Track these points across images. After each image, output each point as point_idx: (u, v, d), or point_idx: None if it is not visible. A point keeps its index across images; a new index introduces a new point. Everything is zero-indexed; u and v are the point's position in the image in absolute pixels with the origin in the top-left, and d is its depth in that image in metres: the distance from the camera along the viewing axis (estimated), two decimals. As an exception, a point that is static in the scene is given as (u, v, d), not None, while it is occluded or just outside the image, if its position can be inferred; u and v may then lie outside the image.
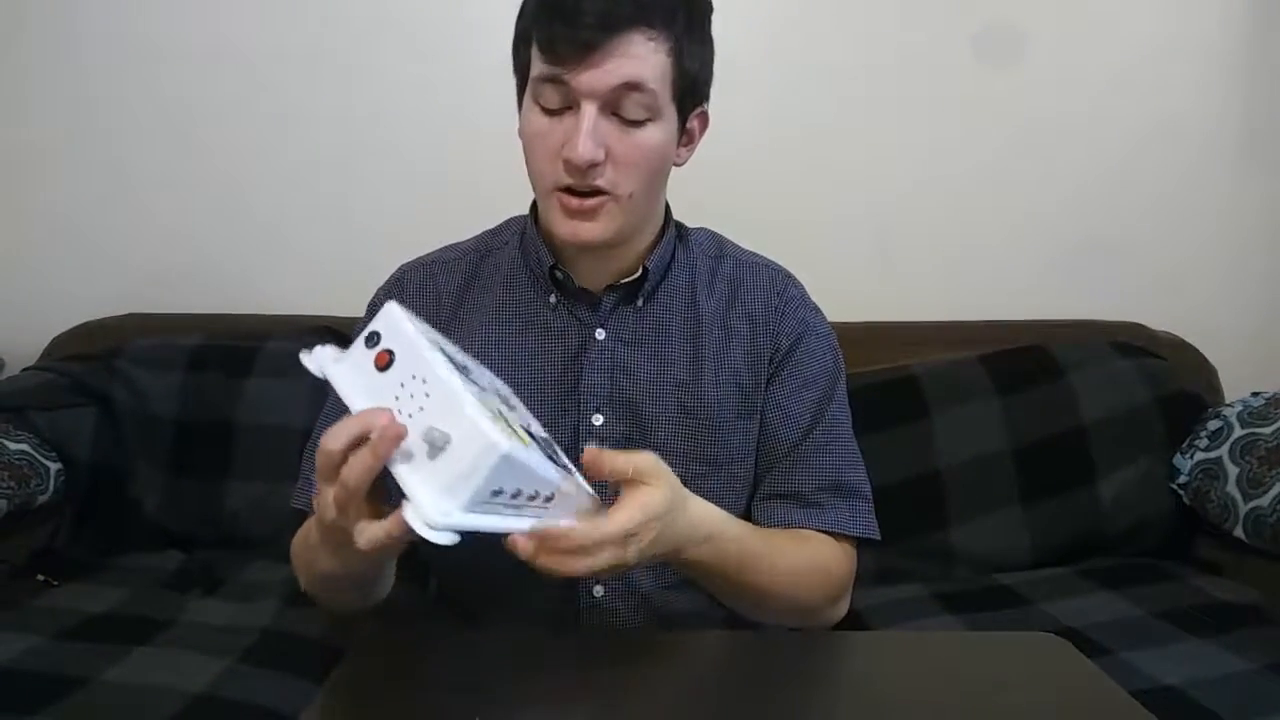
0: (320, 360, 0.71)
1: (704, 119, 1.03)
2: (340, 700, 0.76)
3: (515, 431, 0.71)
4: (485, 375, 0.82)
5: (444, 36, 1.84)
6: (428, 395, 0.67)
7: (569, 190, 0.93)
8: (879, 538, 1.05)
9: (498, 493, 0.68)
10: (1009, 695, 0.77)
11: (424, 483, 0.66)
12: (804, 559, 0.99)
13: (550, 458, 0.76)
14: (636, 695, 0.78)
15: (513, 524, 0.71)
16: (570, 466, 0.80)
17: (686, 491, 0.84)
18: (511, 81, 1.01)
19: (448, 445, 0.66)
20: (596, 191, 0.93)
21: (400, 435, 0.66)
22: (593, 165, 0.91)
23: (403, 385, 0.68)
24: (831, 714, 0.79)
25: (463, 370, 0.73)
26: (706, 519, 0.87)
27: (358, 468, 0.67)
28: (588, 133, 0.90)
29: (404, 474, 0.67)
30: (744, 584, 0.92)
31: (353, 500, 0.69)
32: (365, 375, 0.70)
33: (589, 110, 0.90)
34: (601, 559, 0.76)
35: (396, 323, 0.71)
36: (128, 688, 1.07)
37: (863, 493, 1.06)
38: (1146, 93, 1.89)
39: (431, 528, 0.64)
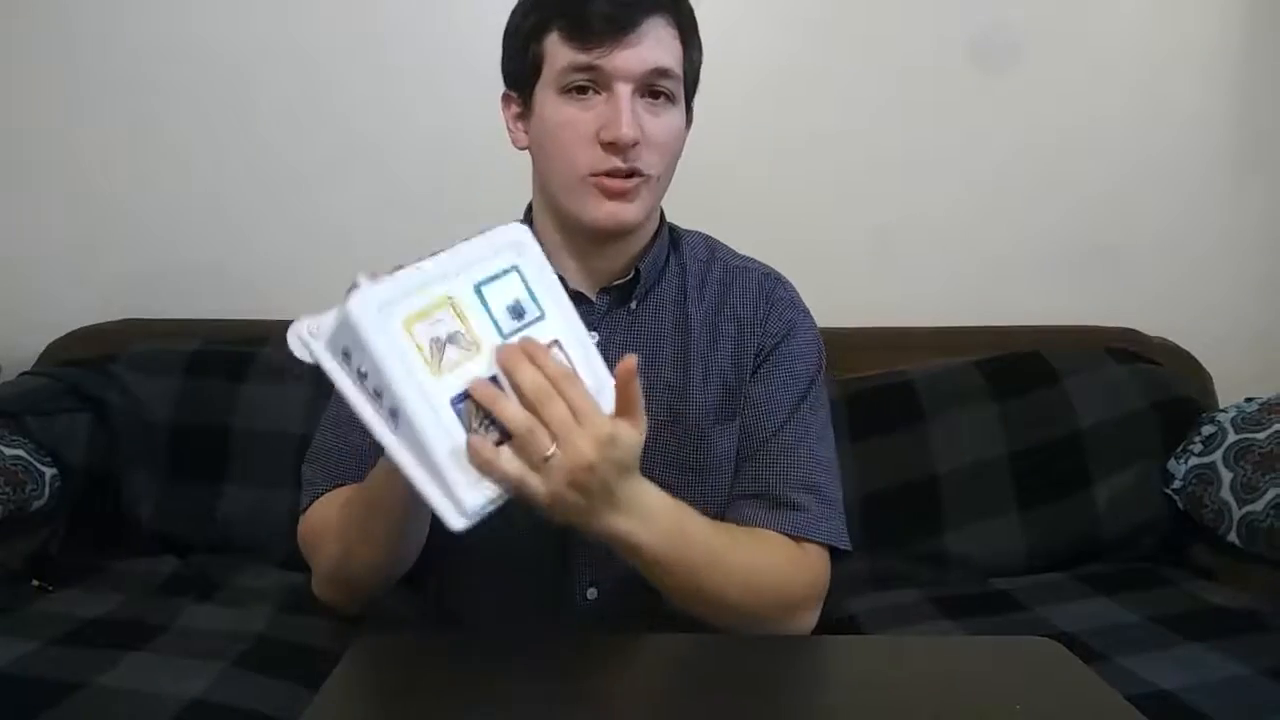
0: (309, 344, 0.75)
1: (691, 116, 1.05)
2: (336, 705, 0.76)
3: (424, 352, 0.72)
4: (562, 326, 0.81)
5: (443, 46, 1.84)
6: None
7: (606, 174, 0.95)
8: (848, 547, 1.02)
9: (348, 356, 0.73)
10: (1005, 700, 0.77)
11: (333, 310, 0.74)
12: (758, 560, 0.96)
13: (466, 419, 0.74)
14: (632, 698, 0.78)
15: (361, 406, 0.74)
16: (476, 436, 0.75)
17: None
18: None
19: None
20: (633, 172, 0.95)
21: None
22: (634, 145, 0.94)
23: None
24: (827, 719, 0.79)
25: (520, 311, 0.79)
26: (650, 490, 0.86)
27: None
28: (631, 113, 0.93)
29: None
30: (682, 581, 0.90)
31: None
32: None
33: (625, 91, 0.93)
34: (551, 412, 0.74)
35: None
36: (123, 693, 1.07)
37: (830, 499, 1.03)
38: (1144, 100, 1.90)
39: (295, 333, 0.74)
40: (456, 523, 0.74)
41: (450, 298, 0.75)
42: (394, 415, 0.73)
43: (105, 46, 1.84)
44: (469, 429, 0.74)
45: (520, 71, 1.00)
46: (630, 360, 0.78)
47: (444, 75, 1.84)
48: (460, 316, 0.75)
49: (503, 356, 0.76)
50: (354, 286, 0.73)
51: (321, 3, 1.85)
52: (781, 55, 1.85)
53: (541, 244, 1.03)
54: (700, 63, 1.02)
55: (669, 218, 1.11)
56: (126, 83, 1.85)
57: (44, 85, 1.85)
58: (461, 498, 0.73)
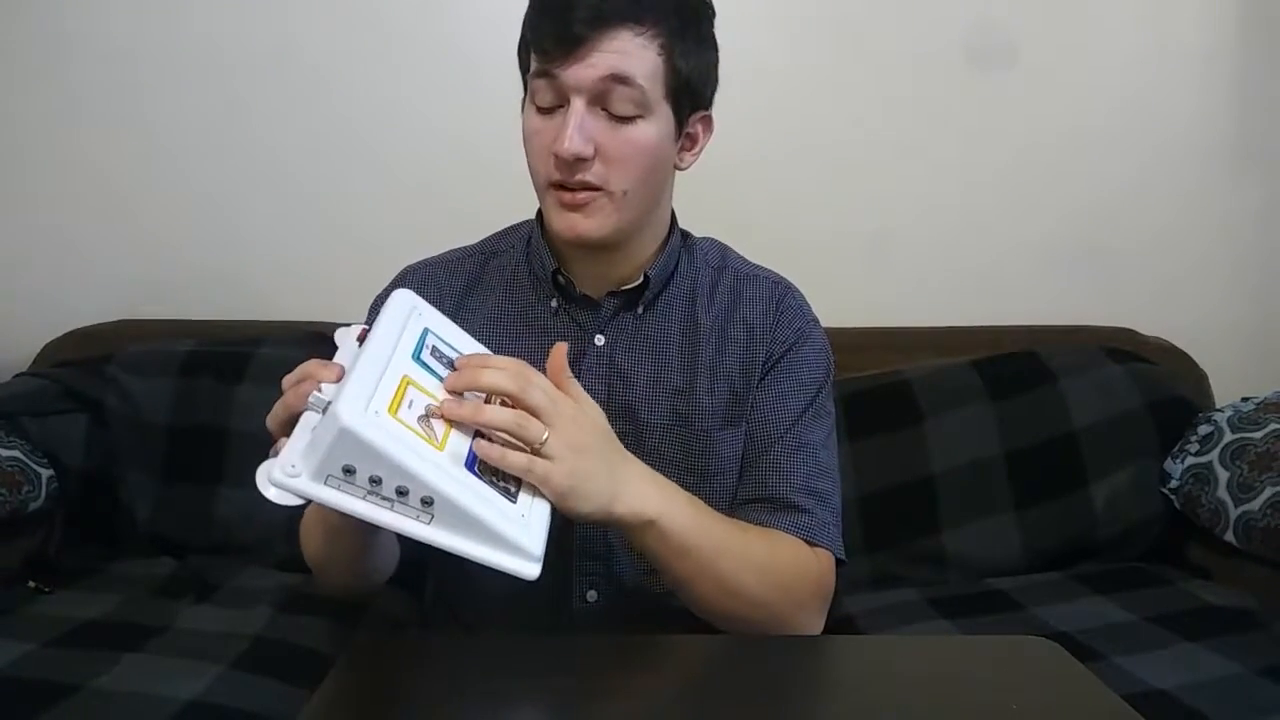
0: (287, 484, 0.71)
1: (708, 123, 1.03)
2: (333, 707, 0.76)
3: (421, 434, 0.73)
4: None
5: (440, 45, 1.84)
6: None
7: (562, 185, 0.95)
8: (843, 557, 1.02)
9: (350, 471, 0.70)
10: (1002, 700, 0.78)
11: (293, 442, 0.72)
12: (770, 554, 0.96)
13: (486, 478, 0.75)
14: (630, 699, 0.78)
15: (381, 515, 0.72)
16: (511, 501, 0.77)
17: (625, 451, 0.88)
18: (506, 88, 1.02)
19: (325, 413, 0.71)
20: (584, 186, 0.94)
21: (305, 392, 0.74)
22: (580, 160, 0.92)
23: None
24: (824, 719, 0.79)
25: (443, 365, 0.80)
26: (648, 472, 0.88)
27: (281, 401, 0.77)
28: (575, 127, 0.91)
29: (294, 433, 0.73)
30: (702, 565, 0.90)
31: (274, 420, 0.77)
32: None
33: (577, 105, 0.92)
34: (531, 398, 0.79)
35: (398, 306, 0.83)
36: (120, 695, 1.07)
37: (833, 506, 1.03)
38: (1139, 101, 1.90)
39: (273, 483, 0.70)
40: (532, 571, 0.75)
41: (406, 377, 0.77)
42: (427, 504, 0.72)
43: (101, 47, 1.84)
44: (494, 485, 0.76)
45: (524, 77, 1.00)
46: (559, 348, 0.84)
47: (443, 75, 1.84)
48: (421, 390, 0.77)
49: (456, 381, 0.79)
50: (310, 408, 0.72)
51: (320, 2, 1.85)
52: (779, 56, 1.85)
53: (550, 246, 1.04)
54: (705, 67, 0.99)
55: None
56: (122, 84, 1.84)
57: (40, 86, 1.85)
58: (524, 545, 0.74)
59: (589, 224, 0.96)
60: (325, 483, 0.71)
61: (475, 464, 0.76)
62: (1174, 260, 1.94)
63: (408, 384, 0.76)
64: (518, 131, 0.99)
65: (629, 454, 0.87)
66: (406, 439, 0.72)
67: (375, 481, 0.71)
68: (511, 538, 0.74)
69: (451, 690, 0.77)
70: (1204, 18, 1.90)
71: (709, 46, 0.99)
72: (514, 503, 0.77)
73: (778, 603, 0.96)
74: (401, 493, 0.71)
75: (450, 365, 0.82)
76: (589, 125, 0.92)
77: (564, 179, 0.94)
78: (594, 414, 0.85)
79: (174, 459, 1.57)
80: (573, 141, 0.91)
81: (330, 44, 1.85)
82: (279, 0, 1.84)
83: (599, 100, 0.92)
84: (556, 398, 0.81)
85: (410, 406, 0.75)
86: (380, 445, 0.70)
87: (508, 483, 0.77)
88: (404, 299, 0.86)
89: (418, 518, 0.72)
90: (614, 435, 0.86)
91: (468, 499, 0.73)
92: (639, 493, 0.85)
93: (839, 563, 1.02)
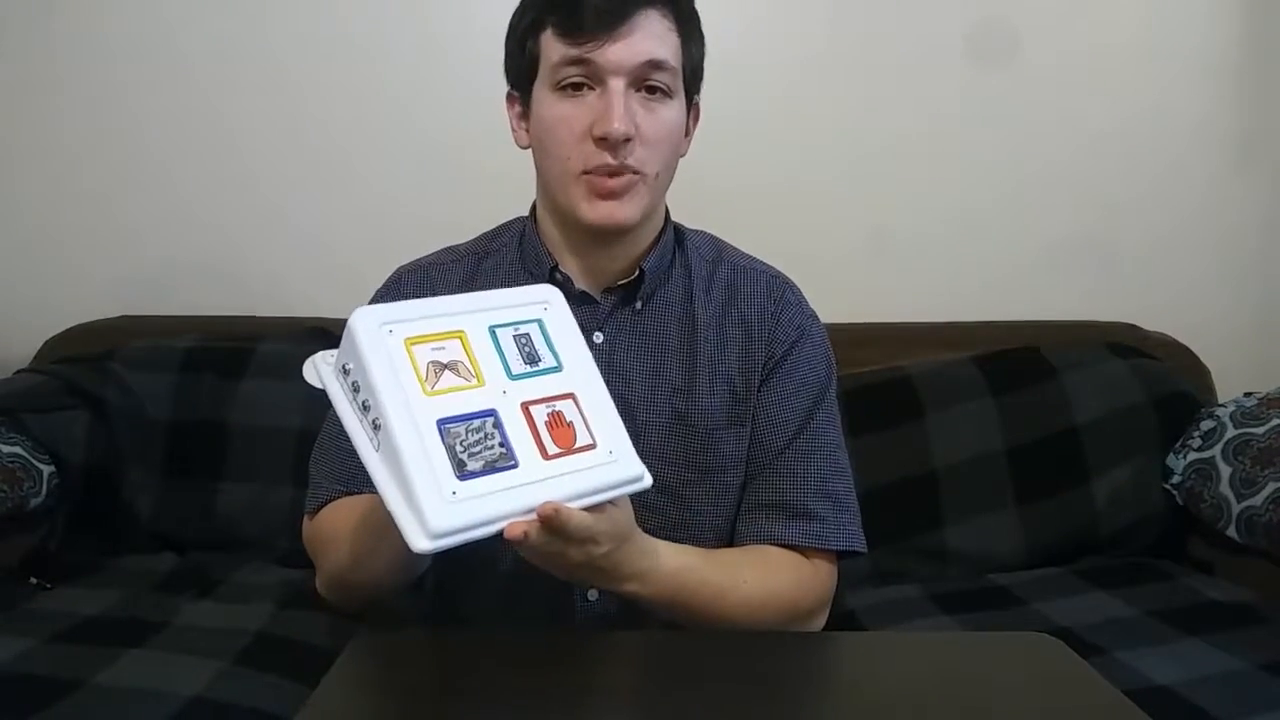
0: (319, 369, 0.77)
1: (697, 112, 1.04)
2: (334, 702, 0.76)
3: (418, 371, 0.73)
4: (578, 372, 0.83)
5: (435, 46, 1.84)
6: None
7: (598, 171, 0.94)
8: (864, 550, 1.04)
9: (346, 372, 0.74)
10: (1003, 695, 0.78)
11: None
12: (765, 589, 0.97)
13: (451, 444, 0.73)
14: (631, 695, 0.78)
15: (351, 423, 0.74)
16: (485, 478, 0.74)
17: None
18: (498, 86, 1.02)
19: None
20: (626, 169, 0.94)
21: None
22: (627, 140, 0.92)
23: None
24: (827, 714, 0.79)
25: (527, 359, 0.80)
26: (647, 554, 0.88)
27: None
28: (623, 106, 0.92)
29: None
30: (694, 616, 0.93)
31: None
32: None
33: (617, 85, 0.92)
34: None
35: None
36: (121, 690, 1.07)
37: (846, 504, 1.04)
38: (1140, 94, 1.90)
39: (311, 361, 0.77)
40: (420, 544, 0.70)
41: (462, 332, 0.77)
42: (377, 429, 0.72)
43: (98, 46, 1.84)
44: (453, 452, 0.73)
45: (519, 70, 0.99)
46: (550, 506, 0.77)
47: (439, 77, 1.83)
48: (468, 350, 0.77)
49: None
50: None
51: (318, 5, 1.85)
52: (783, 51, 1.85)
53: (545, 243, 1.04)
54: (702, 56, 1.01)
55: (673, 215, 1.10)
56: (121, 82, 1.84)
57: (39, 84, 1.85)
58: (428, 516, 0.70)
59: (627, 210, 0.96)
60: (336, 376, 0.75)
61: (449, 424, 0.73)
62: (1177, 256, 1.94)
63: (457, 336, 0.77)
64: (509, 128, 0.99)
65: (621, 552, 0.84)
66: (397, 365, 0.73)
67: (355, 389, 0.73)
68: (421, 502, 0.70)
69: (452, 686, 0.77)
70: (1209, 16, 1.89)
71: (703, 36, 1.02)
72: (459, 480, 0.72)
73: (776, 624, 0.97)
74: (365, 408, 0.73)
75: (531, 359, 0.80)
76: (630, 104, 0.93)
77: (611, 160, 0.93)
78: (609, 533, 0.81)
79: (175, 455, 1.57)
80: (623, 121, 0.91)
81: (331, 47, 1.85)
82: (277, 2, 1.84)
83: (635, 82, 0.93)
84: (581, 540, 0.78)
85: (437, 350, 0.75)
86: (366, 354, 0.72)
87: (475, 461, 0.73)
88: (544, 292, 0.84)
89: (370, 440, 0.73)
90: (625, 537, 0.83)
91: (407, 442, 0.71)
92: (613, 586, 0.87)
93: (855, 553, 1.03)
